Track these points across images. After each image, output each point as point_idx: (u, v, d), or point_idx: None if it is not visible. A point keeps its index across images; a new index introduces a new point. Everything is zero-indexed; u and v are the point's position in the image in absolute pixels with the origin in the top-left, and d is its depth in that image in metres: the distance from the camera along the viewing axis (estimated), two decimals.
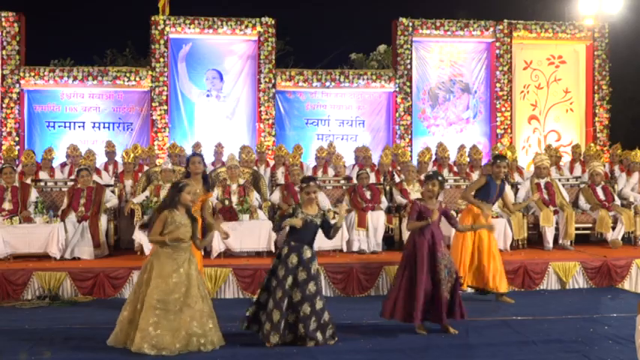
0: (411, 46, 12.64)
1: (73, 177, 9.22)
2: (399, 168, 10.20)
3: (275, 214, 8.57)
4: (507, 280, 7.59)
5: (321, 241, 7.84)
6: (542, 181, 9.09)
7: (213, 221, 6.13)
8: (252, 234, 7.96)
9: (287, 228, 5.28)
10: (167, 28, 12.07)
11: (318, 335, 5.10)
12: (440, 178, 5.78)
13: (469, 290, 6.97)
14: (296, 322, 5.10)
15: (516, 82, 12.99)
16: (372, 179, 9.59)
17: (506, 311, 6.41)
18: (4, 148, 10.84)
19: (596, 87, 12.94)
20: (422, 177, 9.59)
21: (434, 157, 10.65)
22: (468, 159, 10.32)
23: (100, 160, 10.58)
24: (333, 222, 5.43)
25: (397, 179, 9.66)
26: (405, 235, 7.91)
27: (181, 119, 12.39)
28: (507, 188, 8.45)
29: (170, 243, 5.02)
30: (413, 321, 5.46)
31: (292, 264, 5.16)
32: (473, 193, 6.89)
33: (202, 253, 6.92)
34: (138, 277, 5.20)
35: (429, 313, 5.55)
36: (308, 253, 5.21)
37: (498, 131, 12.70)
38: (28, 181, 8.98)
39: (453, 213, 6.68)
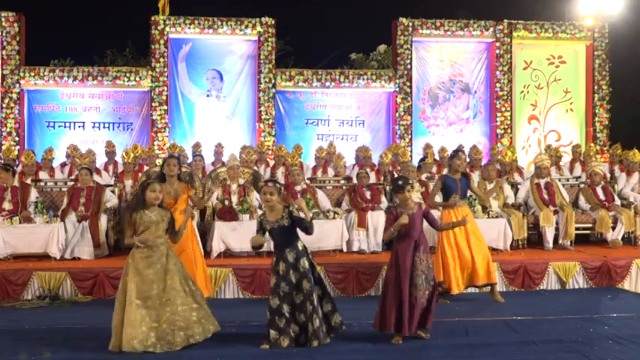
0: (411, 46, 12.65)
1: (73, 177, 9.21)
2: (399, 168, 10.19)
3: None
4: (507, 280, 7.59)
5: (321, 241, 7.92)
6: (542, 181, 9.08)
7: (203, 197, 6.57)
8: (252, 234, 7.85)
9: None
10: (167, 28, 12.08)
11: (322, 332, 5.11)
12: (411, 181, 5.53)
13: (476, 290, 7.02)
14: (305, 321, 5.12)
15: (516, 82, 13.00)
16: (373, 179, 9.59)
17: (506, 311, 6.40)
18: (4, 148, 10.85)
19: (596, 87, 12.95)
20: (423, 177, 9.61)
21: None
22: (467, 159, 10.29)
23: (100, 160, 10.58)
24: (303, 216, 5.26)
25: None
26: None
27: (181, 119, 12.40)
28: (495, 183, 8.29)
29: (140, 244, 5.05)
30: (403, 332, 5.19)
31: (283, 271, 5.17)
32: (438, 198, 6.86)
33: (202, 253, 6.91)
34: (120, 281, 5.20)
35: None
36: (293, 254, 5.20)
37: (498, 131, 12.70)
38: (28, 181, 8.98)
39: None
